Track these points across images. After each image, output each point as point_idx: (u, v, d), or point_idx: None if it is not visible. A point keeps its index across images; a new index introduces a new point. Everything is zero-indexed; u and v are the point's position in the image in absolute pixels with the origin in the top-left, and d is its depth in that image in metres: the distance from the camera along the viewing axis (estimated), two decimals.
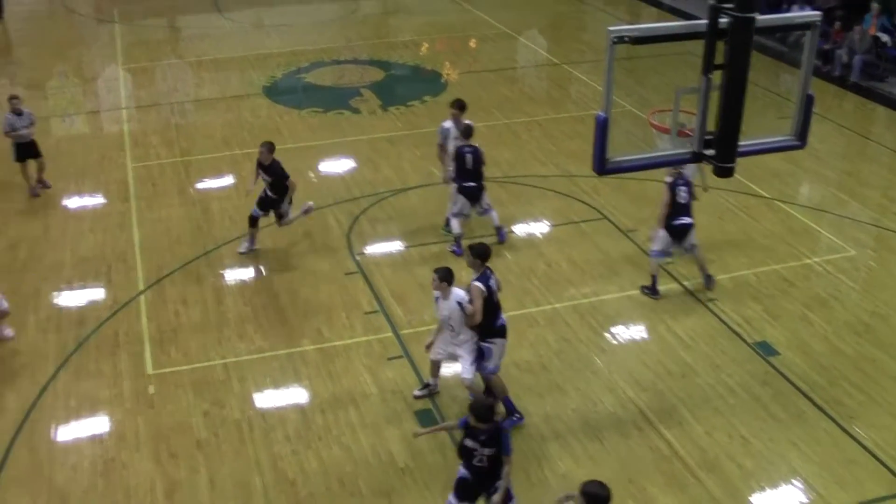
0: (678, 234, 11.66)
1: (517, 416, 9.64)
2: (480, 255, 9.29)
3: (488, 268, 9.32)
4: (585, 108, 18.09)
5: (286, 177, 12.50)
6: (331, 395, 10.13)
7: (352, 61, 21.10)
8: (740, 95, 7.30)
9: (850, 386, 10.32)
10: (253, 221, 12.67)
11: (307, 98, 18.86)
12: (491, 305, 9.24)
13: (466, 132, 12.60)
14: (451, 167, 12.70)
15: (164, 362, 10.68)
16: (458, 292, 9.25)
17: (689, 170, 12.09)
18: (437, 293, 9.29)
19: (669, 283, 12.23)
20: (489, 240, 11.98)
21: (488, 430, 7.61)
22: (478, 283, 9.15)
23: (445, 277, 9.14)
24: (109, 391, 10.20)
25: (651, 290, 11.98)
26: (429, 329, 11.13)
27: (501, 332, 9.45)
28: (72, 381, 10.36)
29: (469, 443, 7.72)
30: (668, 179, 11.65)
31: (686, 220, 11.65)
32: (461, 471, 7.91)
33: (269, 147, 12.43)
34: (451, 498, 7.98)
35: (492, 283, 9.25)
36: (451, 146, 12.71)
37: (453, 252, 12.70)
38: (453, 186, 12.76)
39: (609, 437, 9.50)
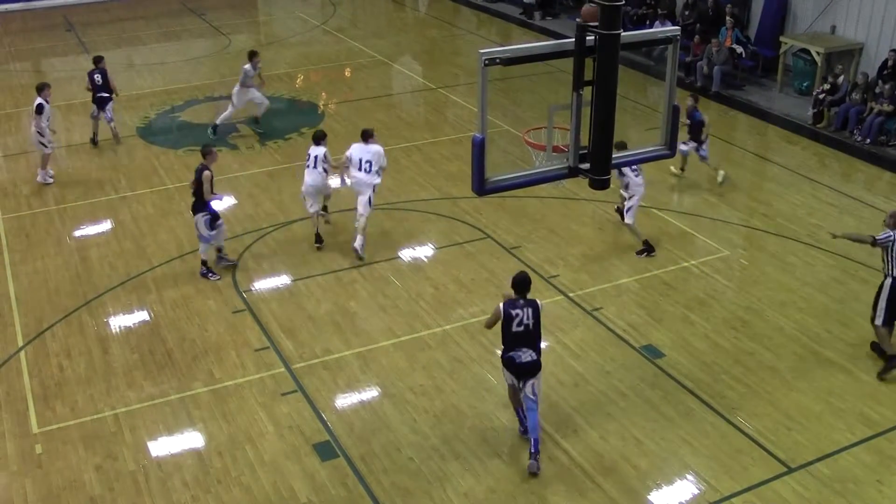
0: None
1: None
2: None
3: None
4: (462, 131, 18.36)
5: None
6: (227, 436, 9.97)
7: (227, 97, 20.76)
8: (610, 109, 7.47)
9: (732, 379, 10.77)
10: None
11: (183, 137, 18.53)
12: None
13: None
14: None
15: (51, 419, 10.31)
16: None
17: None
18: None
19: (556, 295, 12.53)
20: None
21: None
22: None
23: None
24: None
25: None
26: (321, 361, 11.15)
27: None
28: None
29: None
30: None
31: None
32: None
33: None
34: None
35: None
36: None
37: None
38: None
39: (507, 452, 9.63)
